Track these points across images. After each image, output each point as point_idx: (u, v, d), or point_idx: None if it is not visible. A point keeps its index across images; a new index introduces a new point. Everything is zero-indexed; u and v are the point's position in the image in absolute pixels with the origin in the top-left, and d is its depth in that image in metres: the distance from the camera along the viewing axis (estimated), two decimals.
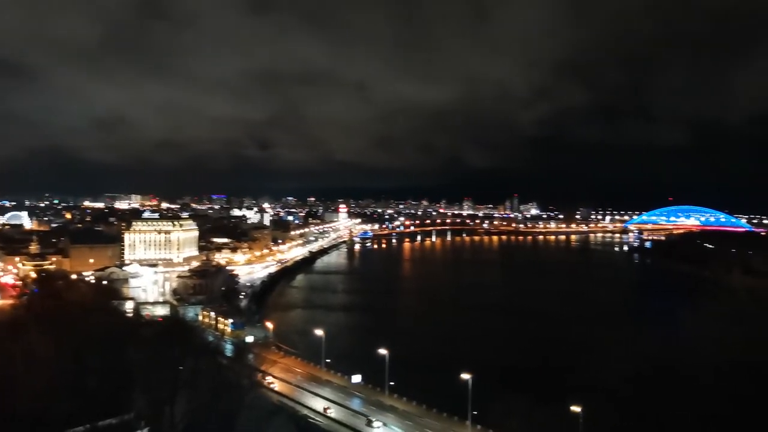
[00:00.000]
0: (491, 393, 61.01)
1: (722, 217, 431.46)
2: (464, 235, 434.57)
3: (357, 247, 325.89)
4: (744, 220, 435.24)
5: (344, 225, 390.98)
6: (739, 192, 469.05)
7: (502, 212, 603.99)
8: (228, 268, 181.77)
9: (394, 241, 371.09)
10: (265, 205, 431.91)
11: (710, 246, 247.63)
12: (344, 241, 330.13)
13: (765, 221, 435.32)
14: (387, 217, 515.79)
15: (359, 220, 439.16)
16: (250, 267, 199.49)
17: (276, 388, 75.62)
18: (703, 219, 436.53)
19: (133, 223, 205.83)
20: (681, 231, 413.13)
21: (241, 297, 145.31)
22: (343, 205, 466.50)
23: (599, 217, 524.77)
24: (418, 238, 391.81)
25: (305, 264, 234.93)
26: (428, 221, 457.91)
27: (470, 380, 63.72)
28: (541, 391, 67.25)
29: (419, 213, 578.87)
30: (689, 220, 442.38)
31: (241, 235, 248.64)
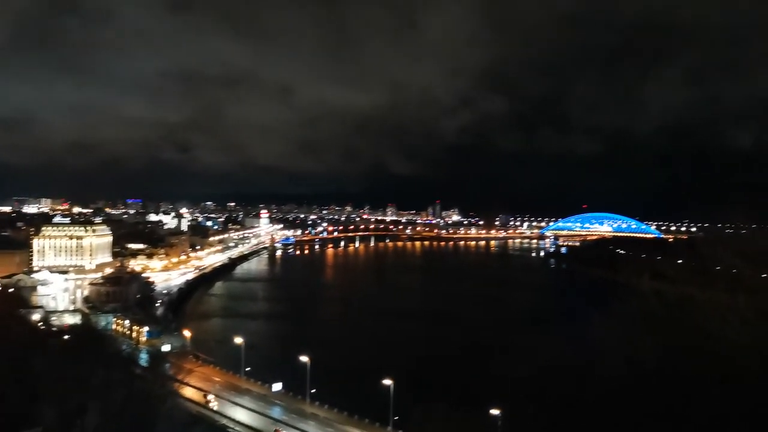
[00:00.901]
0: (413, 398, 61.27)
1: (633, 224, 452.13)
2: (387, 240, 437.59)
3: (279, 253, 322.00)
4: (653, 227, 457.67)
5: (266, 231, 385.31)
6: (649, 200, 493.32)
7: (425, 218, 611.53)
8: (143, 274, 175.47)
9: (317, 247, 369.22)
10: (183, 210, 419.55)
11: (622, 251, 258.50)
12: (265, 247, 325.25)
13: (672, 228, 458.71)
14: (310, 222, 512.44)
15: (281, 226, 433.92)
16: (166, 274, 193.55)
17: (193, 398, 73.69)
18: (615, 226, 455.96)
19: (43, 228, 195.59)
20: (594, 237, 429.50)
21: (157, 304, 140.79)
22: (265, 211, 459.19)
23: (517, 223, 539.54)
24: (342, 243, 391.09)
25: (225, 271, 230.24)
26: (352, 227, 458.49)
27: (392, 386, 64.06)
28: (462, 395, 68.01)
29: (343, 219, 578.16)
30: (602, 226, 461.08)
31: (158, 240, 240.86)
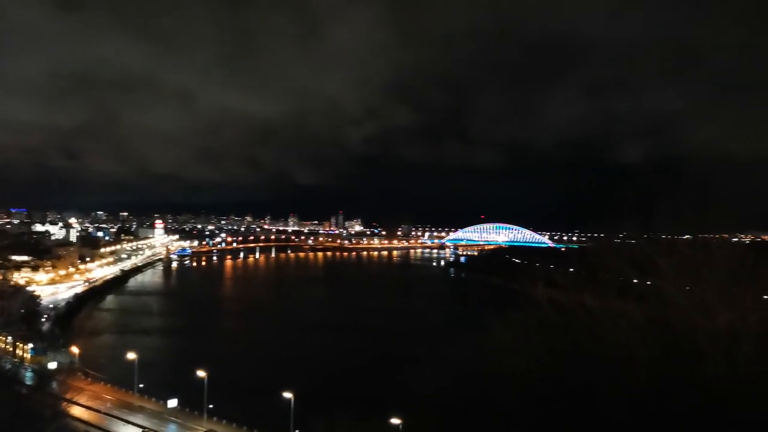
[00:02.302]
0: (315, 410, 60.68)
1: (528, 234, 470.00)
2: (289, 251, 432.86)
3: (174, 265, 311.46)
4: (547, 237, 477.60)
5: (161, 241, 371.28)
6: (544, 211, 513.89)
7: (328, 228, 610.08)
8: (28, 288, 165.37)
9: (215, 258, 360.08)
10: (72, 220, 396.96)
11: (518, 261, 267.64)
12: (160, 259, 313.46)
13: (565, 238, 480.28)
14: (207, 233, 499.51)
15: (177, 237, 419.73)
16: (53, 287, 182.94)
17: (83, 417, 69.85)
18: (511, 236, 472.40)
19: None
20: (492, 247, 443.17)
21: (43, 320, 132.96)
22: (160, 221, 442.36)
23: (419, 233, 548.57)
24: (241, 255, 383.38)
25: (117, 283, 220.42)
26: (252, 237, 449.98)
27: (293, 399, 63.26)
28: (365, 406, 67.95)
29: (242, 229, 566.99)
30: (499, 236, 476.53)
31: (44, 252, 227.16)
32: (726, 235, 21.31)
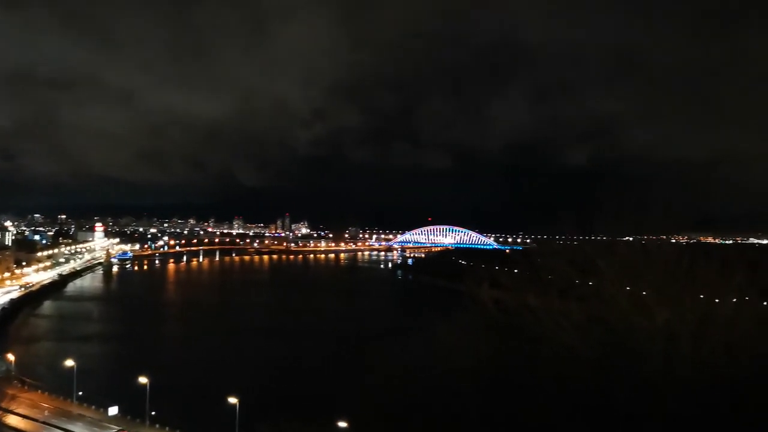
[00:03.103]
0: (260, 415, 60.01)
1: (475, 236, 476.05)
2: (234, 254, 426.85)
3: (115, 269, 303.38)
4: (492, 239, 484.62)
5: (101, 245, 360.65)
6: (490, 213, 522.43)
7: (274, 231, 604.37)
8: None
9: (157, 262, 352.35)
10: (8, 223, 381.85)
11: (464, 262, 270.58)
12: (100, 263, 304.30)
13: (509, 239, 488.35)
14: (150, 236, 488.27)
15: (118, 240, 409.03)
16: None
17: (19, 427, 67.42)
18: (458, 238, 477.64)
19: None
20: (439, 249, 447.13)
21: None
22: (100, 224, 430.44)
23: (367, 236, 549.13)
24: (184, 258, 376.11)
25: (55, 288, 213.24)
26: (195, 240, 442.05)
27: (237, 404, 62.43)
28: (313, 409, 67.66)
29: (185, 232, 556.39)
30: (446, 238, 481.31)
31: None
32: (664, 237, 21.95)
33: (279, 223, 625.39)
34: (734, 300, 19.45)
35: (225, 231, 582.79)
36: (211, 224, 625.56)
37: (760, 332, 18.42)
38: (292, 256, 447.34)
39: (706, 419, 17.01)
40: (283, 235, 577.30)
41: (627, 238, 22.30)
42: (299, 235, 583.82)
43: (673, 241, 22.30)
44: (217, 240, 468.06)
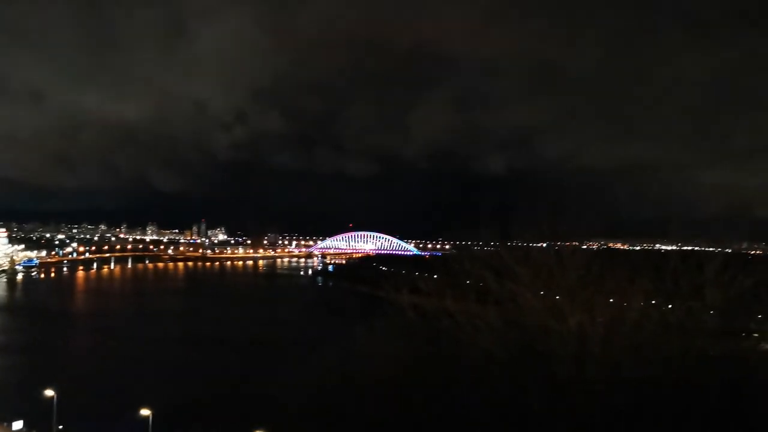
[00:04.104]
0: (175, 426, 58.58)
1: (395, 242, 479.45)
2: (147, 261, 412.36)
3: (20, 276, 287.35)
4: (413, 245, 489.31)
5: (4, 252, 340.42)
6: (411, 219, 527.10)
7: (189, 238, 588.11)
8: None
9: (65, 269, 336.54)
10: None
11: (384, 268, 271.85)
12: (4, 270, 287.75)
13: (429, 245, 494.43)
14: (57, 242, 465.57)
15: (23, 246, 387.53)
16: None
17: None
18: (379, 244, 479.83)
19: None
20: (360, 255, 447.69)
21: None
22: (3, 229, 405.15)
23: (287, 242, 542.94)
24: (95, 265, 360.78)
25: None
26: (106, 247, 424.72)
27: (150, 416, 60.37)
28: (228, 419, 66.55)
29: (96, 238, 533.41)
30: (367, 244, 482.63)
31: None
32: (576, 243, 22.74)
33: (195, 229, 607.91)
34: (641, 304, 20.33)
35: (138, 237, 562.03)
36: (123, 230, 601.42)
37: (665, 335, 19.35)
38: (208, 263, 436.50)
39: (611, 418, 17.67)
40: (199, 241, 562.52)
41: (542, 244, 22.96)
42: (216, 241, 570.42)
43: (585, 247, 23.15)
44: (129, 246, 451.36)
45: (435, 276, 32.65)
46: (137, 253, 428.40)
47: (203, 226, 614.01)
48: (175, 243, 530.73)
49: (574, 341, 18.72)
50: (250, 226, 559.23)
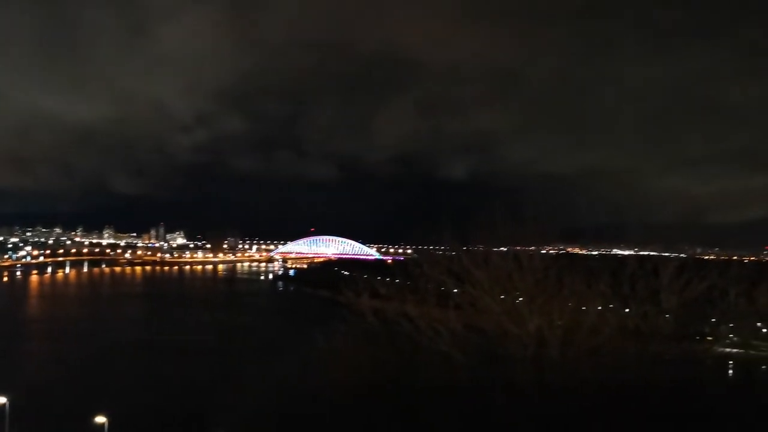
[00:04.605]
0: None
1: (357, 247, 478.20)
2: (104, 266, 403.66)
3: None
4: (375, 249, 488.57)
5: None
6: (373, 224, 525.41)
7: (147, 241, 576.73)
8: None
9: (19, 273, 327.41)
10: None
11: (346, 273, 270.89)
12: None
13: (391, 250, 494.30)
14: (10, 246, 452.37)
15: None
16: None
17: None
18: (341, 248, 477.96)
19: None
20: (322, 259, 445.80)
21: None
22: None
23: (247, 246, 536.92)
24: (49, 269, 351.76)
25: None
26: (62, 251, 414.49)
27: (107, 423, 59.09)
28: (186, 426, 65.46)
29: (51, 242, 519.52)
30: (329, 249, 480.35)
31: None
32: (536, 247, 22.93)
33: (153, 232, 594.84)
34: (599, 308, 20.58)
35: (94, 241, 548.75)
36: (79, 233, 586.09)
37: (622, 338, 19.62)
38: (166, 268, 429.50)
39: (570, 420, 17.80)
40: (157, 245, 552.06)
41: (502, 248, 23.08)
42: (175, 245, 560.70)
43: (544, 251, 23.34)
44: (85, 250, 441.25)
45: (396, 280, 32.62)
46: (93, 257, 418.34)
47: (162, 230, 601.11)
48: (133, 247, 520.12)
49: (533, 345, 18.85)
50: (209, 230, 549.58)
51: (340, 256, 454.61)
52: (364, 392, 22.16)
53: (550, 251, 26.47)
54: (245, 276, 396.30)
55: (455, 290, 22.86)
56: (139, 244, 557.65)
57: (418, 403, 19.84)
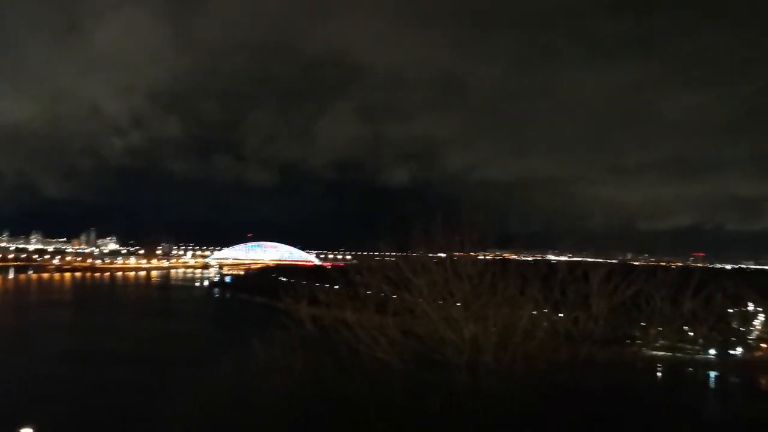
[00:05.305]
0: None
1: (296, 253, 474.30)
2: (31, 272, 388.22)
3: None
4: (314, 255, 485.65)
5: None
6: (313, 229, 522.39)
7: (77, 247, 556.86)
8: None
9: None
10: None
11: (284, 279, 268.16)
12: None
13: (331, 256, 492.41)
14: None
15: None
16: None
17: None
18: (279, 254, 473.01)
19: None
20: (259, 266, 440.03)
21: None
22: None
23: (182, 252, 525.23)
24: None
25: None
26: None
27: None
28: None
29: None
30: (267, 255, 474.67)
31: None
32: (473, 253, 23.27)
33: (84, 238, 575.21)
34: (532, 313, 21.02)
35: (20, 246, 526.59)
36: (5, 238, 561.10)
37: (555, 343, 20.09)
38: (97, 274, 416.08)
39: (504, 426, 18.08)
40: (88, 251, 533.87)
41: (440, 254, 23.31)
42: (106, 251, 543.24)
43: (481, 257, 23.69)
44: (11, 256, 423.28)
45: (335, 287, 32.53)
46: (20, 263, 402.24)
47: (93, 235, 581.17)
48: (62, 252, 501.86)
49: (468, 350, 19.09)
50: (143, 236, 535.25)
51: (278, 262, 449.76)
52: (301, 400, 21.97)
53: (487, 257, 26.91)
54: (180, 282, 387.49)
55: (394, 296, 22.98)
56: (69, 250, 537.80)
57: (355, 411, 19.79)
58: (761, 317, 63.79)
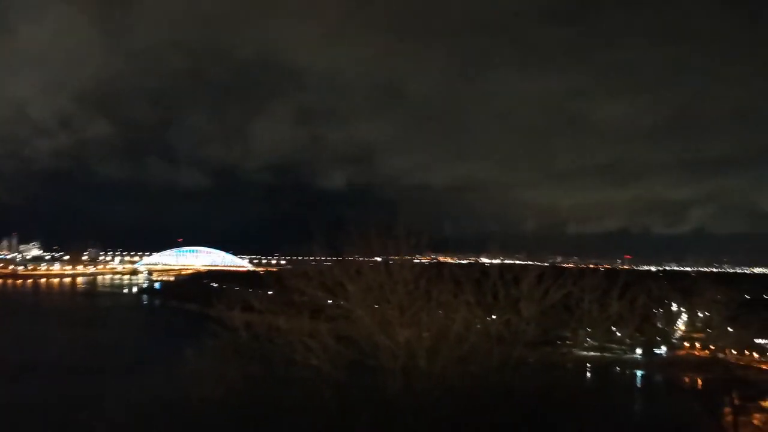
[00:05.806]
0: None
1: (229, 258, 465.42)
2: None
3: None
4: (247, 261, 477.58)
5: None
6: (246, 234, 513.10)
7: None
8: None
9: None
10: None
11: (216, 285, 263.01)
12: None
13: (264, 261, 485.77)
14: None
15: None
16: None
17: None
18: (210, 259, 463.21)
19: None
20: (190, 271, 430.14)
21: None
22: None
23: (109, 257, 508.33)
24: None
25: None
26: None
27: None
28: None
29: None
30: (198, 260, 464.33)
31: None
32: (408, 257, 23.30)
33: (5, 243, 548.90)
34: (465, 316, 21.18)
35: None
36: None
37: (487, 345, 20.30)
38: (19, 281, 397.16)
39: (437, 429, 18.13)
40: (9, 257, 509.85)
41: (376, 258, 23.25)
42: (29, 257, 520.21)
43: (416, 261, 23.75)
44: None
45: (269, 293, 32.04)
46: None
47: (14, 241, 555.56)
48: None
49: (403, 355, 19.09)
50: (68, 241, 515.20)
51: (210, 267, 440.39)
52: (230, 410, 21.49)
53: (422, 261, 27.04)
54: (107, 289, 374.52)
55: (329, 301, 22.79)
56: None
57: (287, 419, 19.50)
58: (684, 317, 66.58)
